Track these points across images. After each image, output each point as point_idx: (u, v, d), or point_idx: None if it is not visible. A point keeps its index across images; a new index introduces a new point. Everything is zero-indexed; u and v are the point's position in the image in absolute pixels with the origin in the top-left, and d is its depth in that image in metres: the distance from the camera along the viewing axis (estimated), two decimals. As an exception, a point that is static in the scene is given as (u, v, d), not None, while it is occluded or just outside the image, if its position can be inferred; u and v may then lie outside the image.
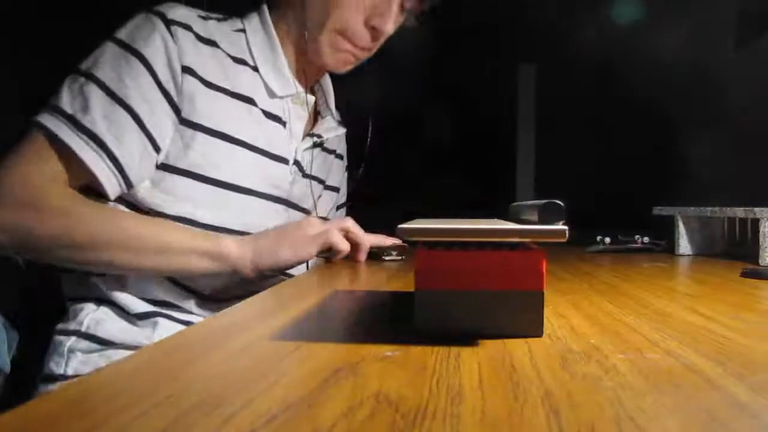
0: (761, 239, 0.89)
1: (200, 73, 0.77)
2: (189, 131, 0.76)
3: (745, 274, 0.75)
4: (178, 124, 0.76)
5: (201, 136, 0.77)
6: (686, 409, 0.25)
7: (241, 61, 0.83)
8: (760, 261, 0.89)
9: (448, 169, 2.34)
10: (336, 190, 1.06)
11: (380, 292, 0.61)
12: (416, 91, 2.30)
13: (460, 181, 2.33)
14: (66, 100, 0.71)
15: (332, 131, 0.97)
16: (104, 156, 0.71)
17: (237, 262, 0.75)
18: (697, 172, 1.53)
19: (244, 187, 0.81)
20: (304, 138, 0.91)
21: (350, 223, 0.83)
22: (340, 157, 1.07)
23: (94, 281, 0.76)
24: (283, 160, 0.86)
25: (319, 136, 0.93)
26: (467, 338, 0.37)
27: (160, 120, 0.75)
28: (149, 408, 0.25)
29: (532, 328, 0.38)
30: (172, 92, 0.75)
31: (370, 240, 0.87)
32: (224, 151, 0.79)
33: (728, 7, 1.44)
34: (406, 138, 2.34)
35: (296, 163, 0.89)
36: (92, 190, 0.73)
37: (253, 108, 0.83)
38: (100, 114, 0.71)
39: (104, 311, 0.76)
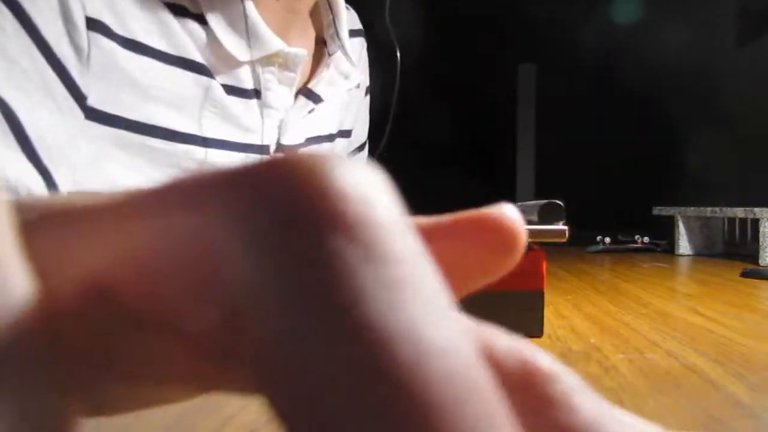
0: (761, 239, 0.89)
1: (119, 28, 0.47)
2: (102, 129, 0.47)
3: (745, 274, 0.75)
4: (83, 119, 0.46)
5: (122, 136, 0.48)
6: (686, 409, 0.25)
7: (179, 10, 0.51)
8: (760, 261, 0.89)
9: (447, 169, 2.34)
10: (347, 134, 0.72)
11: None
12: (415, 91, 2.31)
13: (460, 181, 2.33)
14: None
15: (339, 82, 0.64)
16: None
17: None
18: (697, 172, 1.53)
19: None
20: (297, 97, 0.60)
21: None
22: (356, 85, 0.71)
23: None
24: (261, 149, 0.58)
25: (317, 99, 0.61)
26: (467, 338, 0.37)
27: (53, 122, 0.44)
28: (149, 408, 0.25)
29: (532, 328, 0.38)
30: (72, 68, 0.45)
31: None
32: (161, 155, 0.50)
33: (728, 7, 1.44)
34: (405, 137, 2.34)
35: (282, 147, 0.60)
36: None
37: (207, 81, 0.53)
38: None
39: None
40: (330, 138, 0.66)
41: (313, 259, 0.07)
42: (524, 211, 0.45)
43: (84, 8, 0.45)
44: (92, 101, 0.46)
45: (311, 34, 0.63)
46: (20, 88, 0.43)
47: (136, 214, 0.09)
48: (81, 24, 0.45)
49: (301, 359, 0.07)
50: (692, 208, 1.07)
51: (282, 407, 0.07)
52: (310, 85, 0.61)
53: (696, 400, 0.26)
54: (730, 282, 0.70)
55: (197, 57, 0.52)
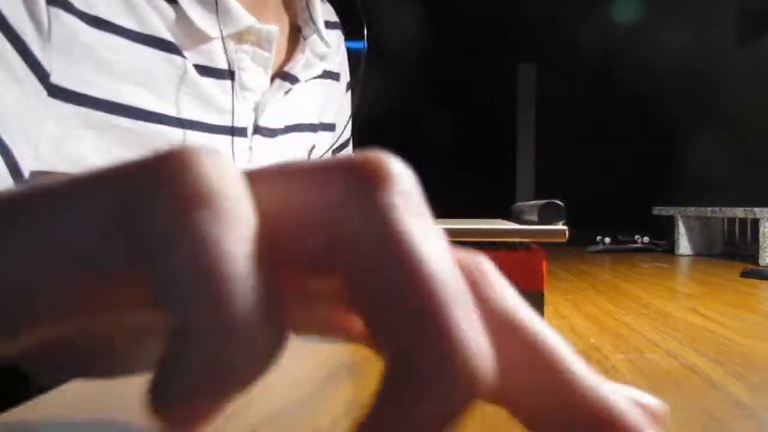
0: (761, 239, 0.89)
1: (80, 4, 0.45)
2: (67, 107, 0.46)
3: (745, 274, 0.75)
4: (47, 97, 0.45)
5: (89, 114, 0.47)
6: (686, 409, 0.25)
7: None
8: (760, 261, 0.89)
9: (447, 169, 2.34)
10: (330, 127, 0.71)
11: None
12: (416, 91, 2.30)
13: (460, 181, 2.33)
14: None
15: (316, 64, 0.63)
16: None
17: None
18: (697, 172, 1.53)
19: None
20: (273, 80, 0.59)
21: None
22: (335, 76, 0.71)
23: None
24: (237, 131, 0.56)
25: (294, 79, 0.60)
26: (467, 338, 0.37)
27: (14, 98, 0.43)
28: (149, 408, 0.25)
29: (532, 328, 0.38)
30: (33, 44, 0.43)
31: None
32: (132, 135, 0.49)
33: (728, 7, 1.44)
34: (405, 138, 2.34)
35: (260, 129, 0.58)
36: None
37: (178, 59, 0.51)
38: None
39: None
40: (312, 128, 0.66)
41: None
42: (524, 211, 0.45)
43: None
44: (55, 78, 0.45)
45: (285, 20, 0.63)
46: None
47: (298, 178, 0.14)
48: (41, 1, 0.43)
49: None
50: (692, 208, 1.07)
51: (360, 288, 0.13)
52: (285, 68, 0.60)
53: (696, 400, 0.26)
54: (730, 282, 0.70)
55: (167, 36, 0.50)
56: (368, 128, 1.09)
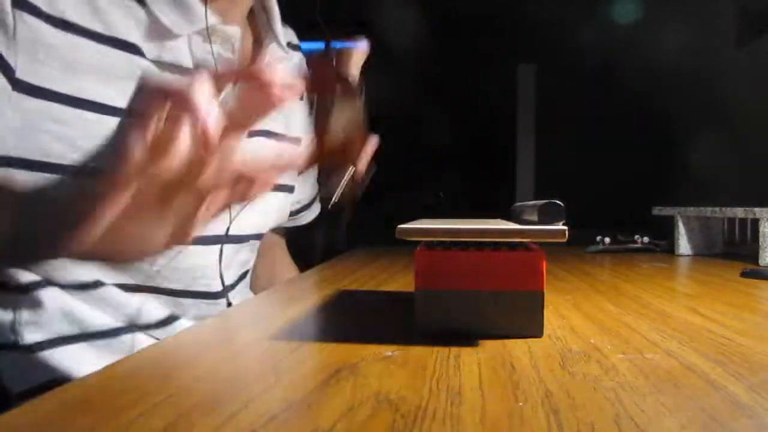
0: (761, 239, 0.89)
1: (47, 7, 0.49)
2: (32, 101, 0.49)
3: (745, 274, 0.75)
4: (11, 91, 0.48)
5: (54, 108, 0.50)
6: (686, 409, 0.25)
7: None
8: (760, 261, 0.89)
9: (448, 170, 2.34)
10: (298, 141, 0.77)
11: (380, 292, 0.61)
12: (416, 91, 2.30)
13: (460, 181, 2.33)
14: None
15: (275, 64, 0.67)
16: None
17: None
18: (697, 172, 1.53)
19: None
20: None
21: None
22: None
23: (44, 356, 0.54)
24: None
25: None
26: (467, 338, 0.37)
27: None
28: (149, 408, 0.25)
29: (532, 328, 0.38)
30: None
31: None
32: (95, 127, 0.52)
33: (728, 7, 1.44)
34: (406, 138, 2.33)
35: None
36: None
37: (140, 60, 0.55)
38: None
39: None
40: (277, 138, 0.70)
41: None
42: (524, 211, 0.45)
43: None
44: (20, 74, 0.48)
45: (249, 32, 0.68)
46: None
47: None
48: (6, 2, 0.47)
49: None
50: (692, 208, 1.07)
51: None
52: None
53: (696, 400, 0.26)
54: (730, 282, 0.70)
55: (130, 37, 0.55)
56: (368, 128, 1.09)
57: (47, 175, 0.50)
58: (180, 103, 0.32)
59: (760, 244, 0.89)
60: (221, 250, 0.65)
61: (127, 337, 0.59)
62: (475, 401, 0.26)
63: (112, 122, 0.52)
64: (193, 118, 0.31)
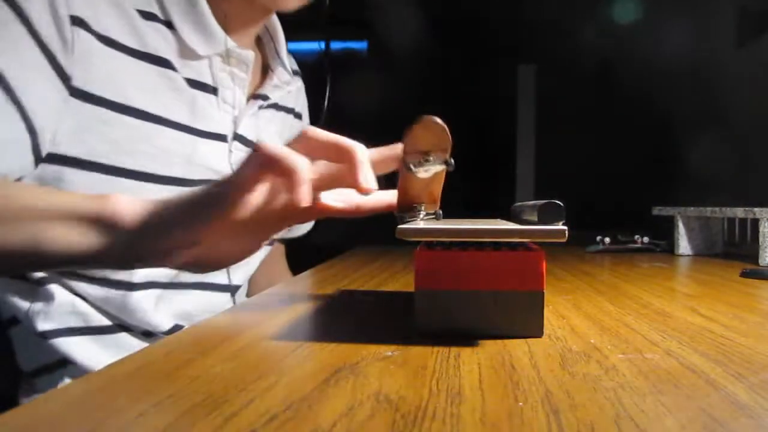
0: (761, 239, 0.89)
1: (96, 26, 0.58)
2: (85, 106, 0.57)
3: (745, 274, 0.75)
4: (68, 96, 0.57)
5: (102, 113, 0.58)
6: (686, 409, 0.25)
7: (149, 16, 0.64)
8: (760, 261, 0.89)
9: (447, 170, 2.34)
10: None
11: (380, 292, 0.61)
12: (416, 91, 2.30)
13: (460, 182, 2.33)
14: None
15: (282, 88, 0.78)
16: None
17: (125, 232, 0.45)
18: (696, 172, 1.53)
19: (172, 177, 0.63)
20: (248, 102, 0.73)
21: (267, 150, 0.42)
22: (299, 116, 0.87)
23: (52, 344, 0.62)
24: (219, 137, 0.68)
25: (265, 97, 0.75)
26: (467, 338, 0.37)
27: (42, 92, 0.55)
28: (149, 408, 0.25)
29: (532, 328, 0.38)
30: (59, 53, 0.55)
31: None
32: (138, 132, 0.60)
33: (728, 7, 1.44)
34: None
35: (239, 137, 0.71)
36: None
37: (172, 73, 0.64)
38: None
39: (73, 376, 0.62)
40: (288, 111, 0.81)
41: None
42: (524, 211, 0.45)
43: (69, 7, 0.56)
44: (76, 82, 0.57)
45: (258, 56, 0.78)
46: (18, 68, 0.53)
47: None
48: (66, 20, 0.56)
49: None
50: (692, 208, 1.07)
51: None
52: (258, 91, 0.75)
53: (696, 400, 0.26)
54: (730, 282, 0.70)
55: (164, 54, 0.64)
56: (368, 128, 1.09)
57: (97, 175, 0.59)
58: (285, 164, 0.41)
59: (760, 244, 0.89)
60: None
61: (126, 336, 0.64)
62: (475, 401, 0.26)
63: (149, 127, 0.61)
64: (296, 176, 0.40)
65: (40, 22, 0.54)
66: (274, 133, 0.79)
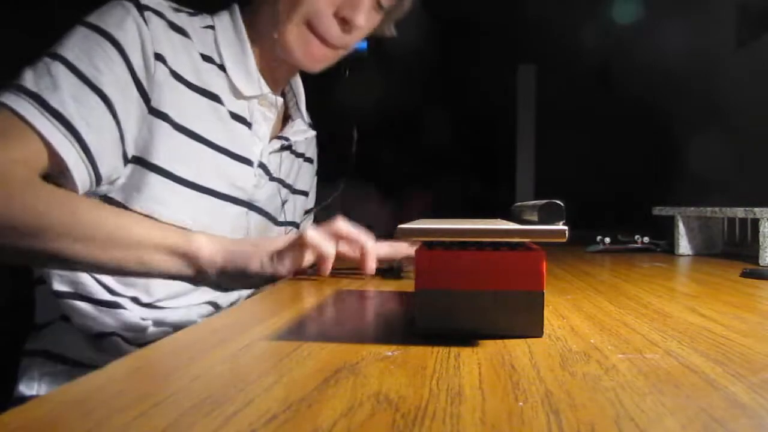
0: (761, 239, 0.89)
1: (170, 63, 0.74)
2: (156, 122, 0.73)
3: (745, 274, 0.75)
4: (146, 114, 0.72)
5: (167, 129, 0.73)
6: (686, 409, 0.25)
7: (208, 59, 0.80)
8: (760, 261, 0.89)
9: (448, 170, 2.34)
10: (305, 194, 1.04)
11: (380, 292, 0.61)
12: (416, 91, 2.30)
13: (461, 181, 2.33)
14: (30, 79, 0.64)
15: (301, 134, 0.95)
16: (74, 141, 0.64)
17: (204, 265, 0.65)
18: (696, 172, 1.53)
19: (207, 188, 0.77)
20: (271, 140, 0.88)
21: (342, 225, 0.68)
22: (309, 160, 1.04)
23: (62, 302, 0.73)
24: (247, 162, 0.83)
25: (286, 139, 0.90)
26: (467, 338, 0.37)
27: (131, 109, 0.70)
28: (149, 408, 0.25)
29: (532, 328, 0.38)
30: (144, 81, 0.71)
31: (379, 249, 0.71)
32: (189, 148, 0.75)
33: (728, 8, 1.44)
34: (406, 139, 2.34)
35: (261, 165, 0.85)
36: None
37: (220, 107, 0.79)
38: (69, 95, 0.64)
39: (70, 331, 0.73)
40: (289, 188, 0.95)
41: None
42: (524, 211, 0.45)
43: (153, 45, 0.72)
44: (153, 103, 0.72)
45: (282, 110, 0.93)
46: (115, 89, 0.68)
47: None
48: (151, 55, 0.72)
49: None
50: (692, 208, 1.07)
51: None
52: (281, 133, 0.91)
53: (696, 400, 0.26)
54: (730, 282, 0.70)
55: (216, 90, 0.79)
56: (369, 129, 1.09)
57: (156, 176, 0.72)
58: (349, 234, 0.68)
59: (760, 244, 0.89)
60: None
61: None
62: (475, 401, 0.26)
63: (196, 145, 0.76)
64: (355, 241, 0.68)
65: (133, 57, 0.70)
66: (288, 168, 0.95)
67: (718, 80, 1.51)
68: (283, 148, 0.91)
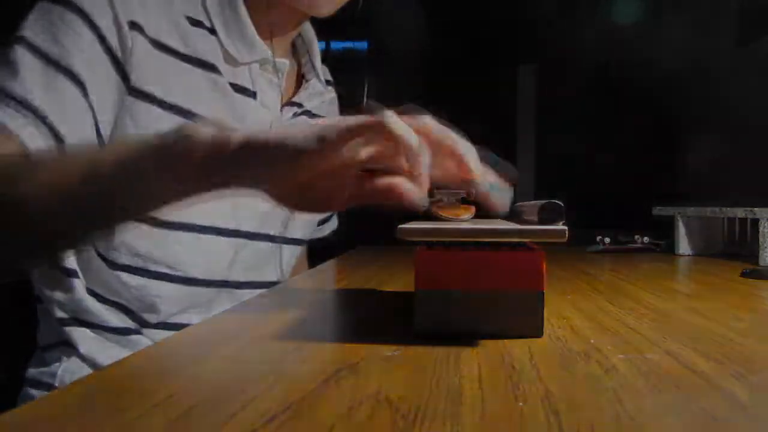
0: (761, 239, 0.89)
1: (149, 31, 0.63)
2: (139, 104, 0.63)
3: (745, 274, 0.75)
4: (126, 95, 0.63)
5: (154, 111, 0.63)
6: (686, 409, 0.25)
7: (197, 23, 0.68)
8: (760, 261, 0.89)
9: (448, 169, 2.34)
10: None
11: (380, 292, 0.61)
12: (416, 91, 2.30)
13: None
14: None
15: (317, 97, 0.81)
16: (46, 132, 0.55)
17: (210, 143, 0.38)
18: (697, 172, 1.53)
19: None
20: (283, 108, 0.76)
21: (432, 122, 0.41)
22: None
23: (66, 329, 0.67)
24: None
25: (300, 105, 0.78)
26: (467, 338, 0.37)
27: (105, 91, 0.61)
28: (149, 408, 0.25)
29: (532, 328, 0.38)
30: (119, 54, 0.61)
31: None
32: None
33: (728, 7, 1.44)
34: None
35: None
36: None
37: (218, 78, 0.68)
38: (34, 81, 0.56)
39: (75, 362, 0.67)
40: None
41: None
42: (524, 211, 0.45)
43: (126, 14, 0.61)
44: (133, 82, 0.62)
45: (294, 65, 0.81)
46: (86, 67, 0.59)
47: None
48: (125, 26, 0.61)
49: None
50: (692, 208, 1.07)
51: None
52: (293, 99, 0.79)
53: (696, 400, 0.26)
54: (730, 282, 0.70)
55: (211, 59, 0.68)
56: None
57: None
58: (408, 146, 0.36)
59: (760, 244, 0.89)
60: (281, 249, 0.80)
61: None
62: (475, 401, 0.26)
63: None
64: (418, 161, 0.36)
65: (104, 27, 0.60)
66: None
67: (718, 80, 1.51)
68: (297, 116, 0.78)
